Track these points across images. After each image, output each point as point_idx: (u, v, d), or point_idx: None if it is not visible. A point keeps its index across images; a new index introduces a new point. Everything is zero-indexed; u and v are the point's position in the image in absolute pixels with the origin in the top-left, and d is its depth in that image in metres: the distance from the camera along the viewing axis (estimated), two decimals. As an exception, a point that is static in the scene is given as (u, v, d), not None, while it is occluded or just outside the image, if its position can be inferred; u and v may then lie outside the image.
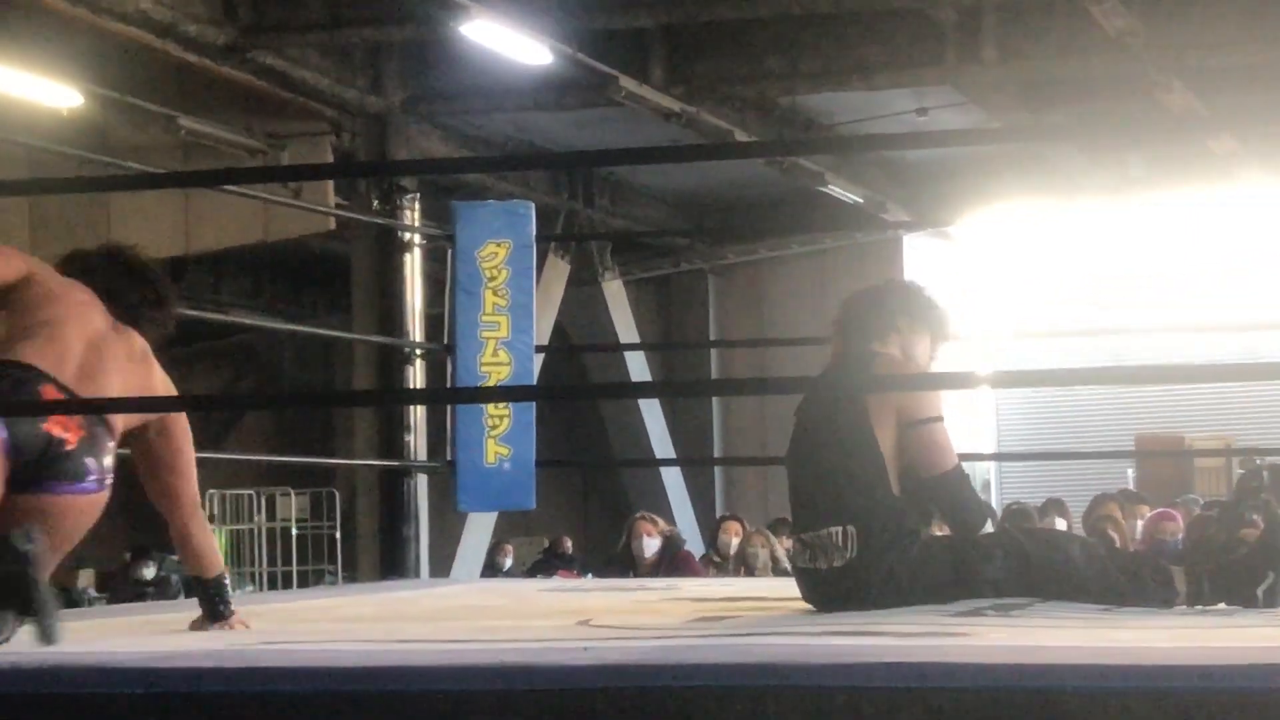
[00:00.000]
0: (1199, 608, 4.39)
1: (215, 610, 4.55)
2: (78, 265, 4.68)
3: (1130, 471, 17.73)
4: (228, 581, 4.67)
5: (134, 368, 4.51)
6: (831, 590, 4.57)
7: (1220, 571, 4.40)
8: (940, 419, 4.70)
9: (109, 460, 4.31)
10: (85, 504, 4.26)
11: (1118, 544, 9.93)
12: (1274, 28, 12.63)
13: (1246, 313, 18.82)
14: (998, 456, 20.29)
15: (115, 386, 4.37)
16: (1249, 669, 2.77)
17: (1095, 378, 4.22)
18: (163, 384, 4.65)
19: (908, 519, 4.60)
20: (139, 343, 4.58)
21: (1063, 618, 4.09)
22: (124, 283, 4.66)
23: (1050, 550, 4.58)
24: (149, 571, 16.80)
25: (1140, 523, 10.88)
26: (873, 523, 4.53)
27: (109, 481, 4.32)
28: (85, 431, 4.17)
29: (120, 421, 4.38)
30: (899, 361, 4.79)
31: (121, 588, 16.35)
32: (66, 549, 4.32)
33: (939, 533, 4.80)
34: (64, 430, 4.11)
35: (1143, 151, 17.64)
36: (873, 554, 4.50)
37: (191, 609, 5.43)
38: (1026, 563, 4.51)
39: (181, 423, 4.70)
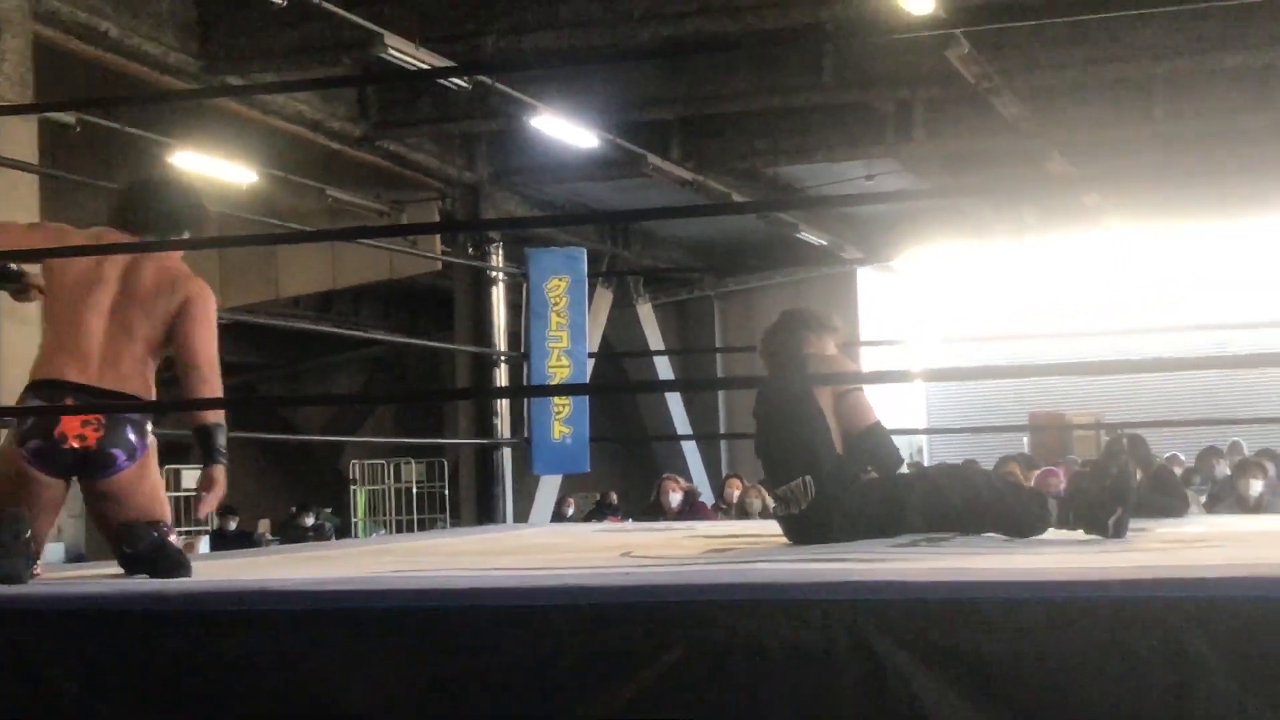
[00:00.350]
0: (1065, 531, 4.38)
1: (207, 454, 3.98)
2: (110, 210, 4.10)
3: (1025, 440, 17.69)
4: (219, 434, 3.98)
5: (150, 323, 3.93)
6: (801, 529, 4.57)
7: (1082, 506, 4.39)
8: (860, 389, 4.70)
9: (134, 434, 3.87)
10: (129, 476, 3.88)
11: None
12: (1129, 112, 12.59)
13: (1115, 320, 18.77)
14: (928, 430, 20.21)
15: (133, 357, 3.91)
16: (1120, 584, 2.77)
17: (993, 373, 4.22)
18: (184, 308, 3.96)
19: (849, 468, 4.60)
20: (149, 279, 3.94)
21: (977, 549, 4.08)
22: (137, 204, 4.06)
23: (960, 483, 4.57)
24: (309, 520, 16.85)
25: (1033, 478, 10.86)
26: (823, 473, 4.53)
27: (144, 446, 3.90)
28: (104, 430, 3.80)
29: (143, 391, 3.92)
30: (823, 356, 4.80)
31: (289, 532, 16.40)
32: (155, 493, 3.98)
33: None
34: (83, 441, 3.78)
35: (1034, 205, 17.59)
36: (826, 497, 4.50)
37: (343, 548, 5.44)
38: (940, 493, 4.50)
39: (201, 337, 3.98)
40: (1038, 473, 10.71)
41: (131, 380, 3.90)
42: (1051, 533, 4.41)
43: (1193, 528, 5.19)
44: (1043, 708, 2.65)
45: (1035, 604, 2.71)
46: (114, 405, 3.82)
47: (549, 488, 16.82)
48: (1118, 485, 4.33)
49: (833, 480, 4.52)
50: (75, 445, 3.77)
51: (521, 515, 14.96)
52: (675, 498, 10.86)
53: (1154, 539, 4.51)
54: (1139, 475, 6.68)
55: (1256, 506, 8.89)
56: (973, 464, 11.89)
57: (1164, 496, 6.34)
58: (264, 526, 18.06)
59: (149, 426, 3.95)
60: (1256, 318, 14.02)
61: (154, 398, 4.01)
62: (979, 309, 20.38)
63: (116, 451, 3.83)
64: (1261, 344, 3.99)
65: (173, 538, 3.96)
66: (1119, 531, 4.31)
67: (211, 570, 4.17)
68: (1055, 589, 2.77)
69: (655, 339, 20.06)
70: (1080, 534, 4.36)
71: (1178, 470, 11.10)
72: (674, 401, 20.11)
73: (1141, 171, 14.82)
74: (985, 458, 13.68)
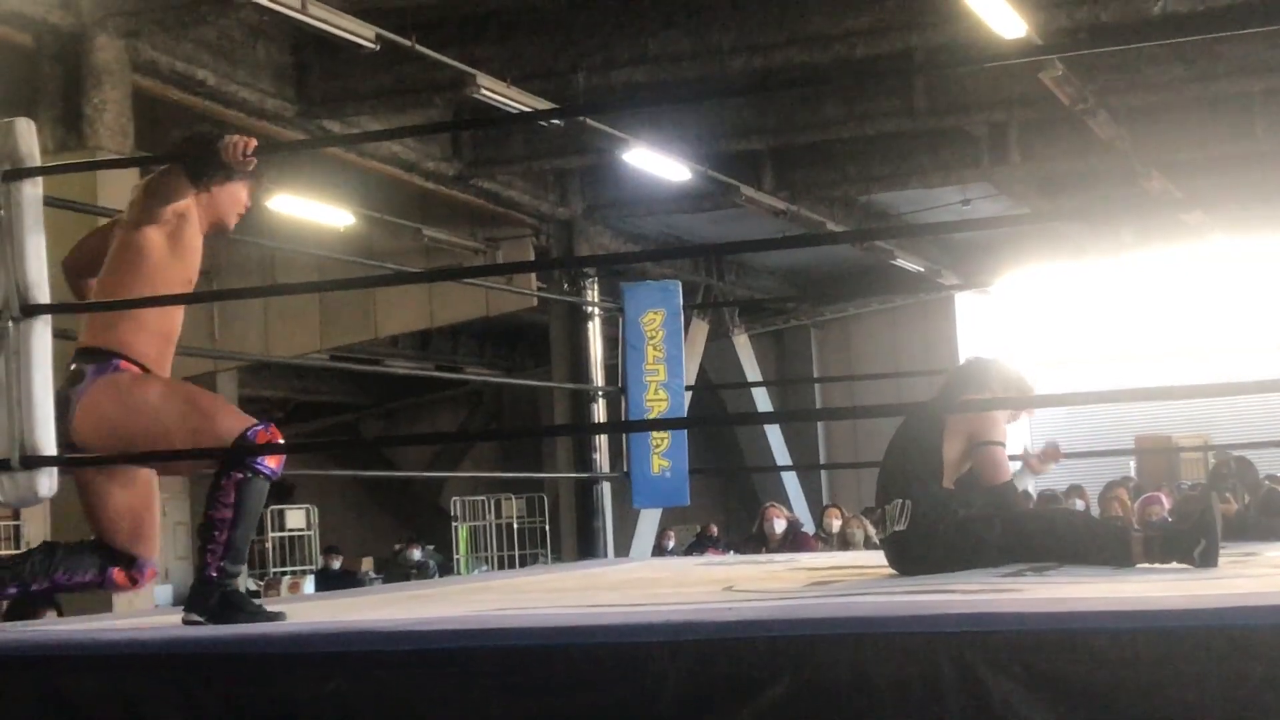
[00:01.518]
0: (1155, 564, 4.31)
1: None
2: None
3: (1132, 464, 17.42)
4: None
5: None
6: (896, 554, 4.58)
7: (1168, 538, 4.33)
8: (1000, 444, 4.69)
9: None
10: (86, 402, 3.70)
11: (1124, 518, 9.78)
12: (1228, 129, 12.42)
13: (1219, 340, 18.48)
14: (1030, 456, 19.97)
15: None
16: (1221, 611, 2.73)
17: (1098, 398, 4.17)
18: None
19: (950, 504, 4.59)
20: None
21: (1083, 578, 4.03)
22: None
23: (1038, 520, 4.57)
24: (414, 557, 16.97)
25: (1137, 504, 10.69)
26: (923, 503, 4.53)
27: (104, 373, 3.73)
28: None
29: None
30: (980, 401, 4.76)
31: (393, 569, 16.51)
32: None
33: None
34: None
35: (1132, 225, 17.38)
36: (918, 525, 4.50)
37: (446, 585, 5.45)
38: (1019, 530, 4.49)
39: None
40: (1141, 499, 10.54)
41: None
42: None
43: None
44: (1154, 739, 2.61)
45: (1144, 634, 2.67)
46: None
47: (649, 521, 16.82)
48: (1204, 517, 4.26)
49: (930, 513, 4.51)
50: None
51: (622, 549, 14.97)
52: (779, 524, 10.81)
53: (1262, 563, 4.43)
54: (1246, 498, 6.58)
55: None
56: (1073, 492, 11.74)
57: (1274, 519, 6.24)
58: (368, 564, 18.22)
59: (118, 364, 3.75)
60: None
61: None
62: (1079, 331, 20.14)
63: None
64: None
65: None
66: (1207, 562, 4.22)
67: (316, 610, 4.21)
68: (1164, 618, 2.73)
69: (752, 370, 20.03)
70: (1174, 564, 4.30)
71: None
72: (773, 432, 20.04)
73: (1242, 189, 14.60)
74: (1091, 483, 13.50)
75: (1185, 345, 18.63)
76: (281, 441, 3.84)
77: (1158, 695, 2.62)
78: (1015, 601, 3.20)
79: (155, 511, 3.89)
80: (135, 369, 3.75)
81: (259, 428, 3.75)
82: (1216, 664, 2.61)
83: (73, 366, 3.76)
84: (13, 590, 3.81)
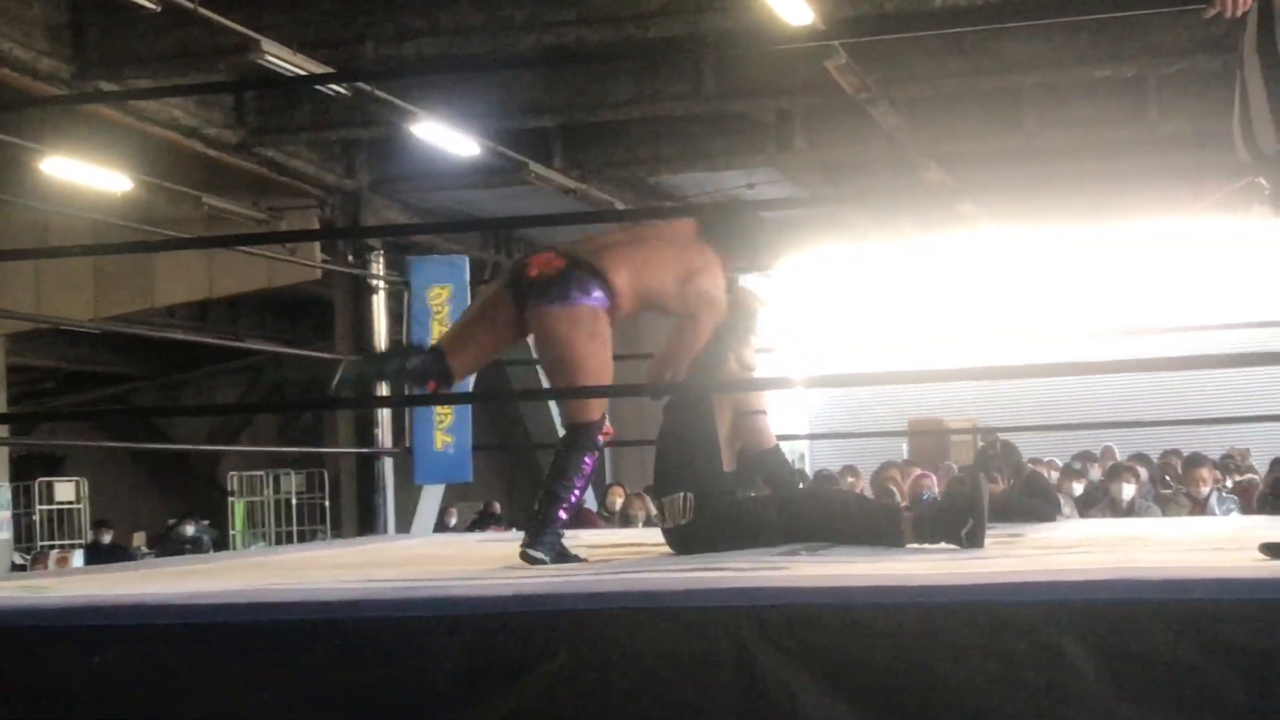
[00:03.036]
0: (924, 544, 4.43)
1: None
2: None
3: (904, 445, 17.91)
4: None
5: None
6: (679, 542, 4.60)
7: (936, 518, 4.45)
8: (763, 412, 4.75)
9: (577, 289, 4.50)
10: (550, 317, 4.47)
11: (898, 497, 10.06)
12: (1001, 123, 12.80)
13: (992, 323, 19.07)
14: (810, 436, 20.37)
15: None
16: (985, 588, 2.82)
17: (870, 379, 4.26)
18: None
19: (732, 485, 4.65)
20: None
21: (856, 556, 4.12)
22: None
23: (813, 500, 4.68)
24: (187, 532, 16.63)
25: (909, 482, 11.04)
26: (704, 489, 4.56)
27: (579, 300, 4.52)
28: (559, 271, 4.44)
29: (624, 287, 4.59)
30: (734, 370, 4.83)
31: (166, 545, 16.16)
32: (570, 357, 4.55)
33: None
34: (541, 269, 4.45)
35: (911, 213, 17.81)
36: (701, 514, 4.53)
37: (221, 560, 5.35)
38: (794, 511, 4.55)
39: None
40: (912, 477, 10.86)
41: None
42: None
43: (1064, 532, 5.29)
44: (919, 710, 2.69)
45: (911, 608, 2.75)
46: None
47: (432, 498, 16.71)
48: (971, 498, 4.39)
49: (712, 500, 4.55)
50: (533, 274, 4.45)
51: (404, 526, 14.85)
52: (558, 506, 10.83)
53: (1026, 544, 4.59)
54: (1011, 481, 6.81)
55: (1128, 510, 9.07)
56: (848, 472, 12.03)
57: (1035, 500, 6.46)
58: (139, 539, 17.78)
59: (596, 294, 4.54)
60: (1127, 324, 14.34)
61: None
62: (858, 315, 20.59)
63: (552, 287, 4.42)
64: (1132, 349, 4.08)
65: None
66: (973, 542, 4.34)
67: (85, 584, 4.10)
68: (931, 594, 2.82)
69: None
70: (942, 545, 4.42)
71: (1053, 475, 11.29)
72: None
73: (1014, 181, 15.07)
74: (866, 463, 13.85)
75: (957, 332, 19.18)
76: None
77: (924, 669, 2.70)
78: (787, 578, 3.26)
79: None
80: None
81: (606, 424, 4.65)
82: (981, 639, 2.69)
83: None
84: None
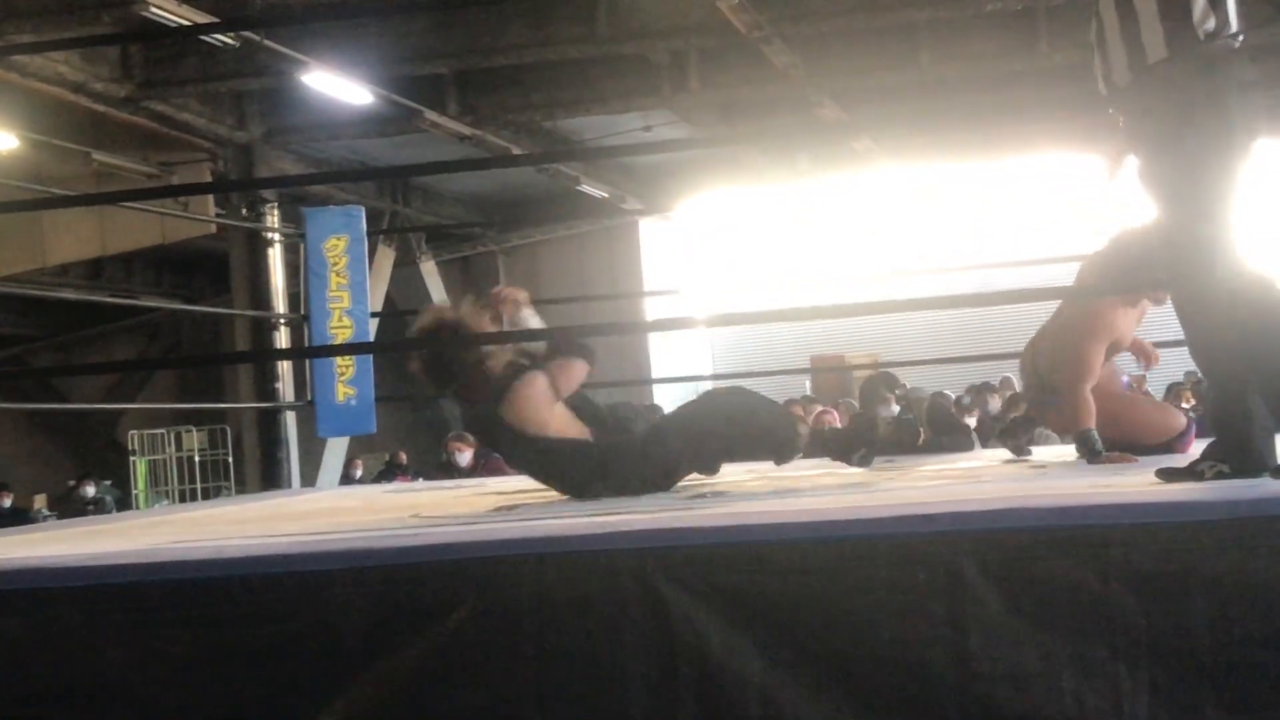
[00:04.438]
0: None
1: None
2: None
3: (808, 382, 18.04)
4: None
5: None
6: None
7: (834, 437, 4.68)
8: (562, 368, 4.81)
9: None
10: None
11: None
12: (895, 59, 12.85)
13: (887, 262, 19.23)
14: (714, 376, 20.49)
15: None
16: (885, 520, 2.85)
17: (763, 317, 4.30)
18: None
19: (597, 452, 4.62)
20: None
21: (758, 498, 4.15)
22: None
23: (715, 407, 4.71)
24: (88, 492, 16.41)
25: (811, 417, 11.12)
26: (581, 471, 4.58)
27: None
28: None
29: None
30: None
31: (67, 506, 15.94)
32: None
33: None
34: None
35: (807, 151, 17.88)
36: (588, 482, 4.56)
37: (123, 520, 5.27)
38: (699, 422, 4.60)
39: None
40: (815, 413, 10.94)
41: None
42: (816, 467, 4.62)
43: (963, 463, 5.35)
44: (825, 643, 2.72)
45: (814, 544, 2.77)
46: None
47: (336, 450, 16.61)
48: (866, 427, 4.66)
49: (589, 472, 4.55)
50: None
51: (309, 479, 14.78)
52: (464, 457, 10.81)
53: (926, 475, 4.64)
54: (914, 413, 6.91)
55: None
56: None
57: (949, 435, 6.53)
58: (40, 502, 17.53)
59: None
60: (1022, 256, 14.46)
61: None
62: (758, 255, 20.67)
63: None
64: (1026, 280, 4.14)
65: None
66: (864, 463, 4.75)
67: None
68: (833, 528, 2.84)
69: (440, 295, 19.91)
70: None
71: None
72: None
73: (909, 116, 15.17)
74: (769, 401, 13.92)
75: (856, 269, 19.30)
76: None
77: (829, 603, 2.72)
78: (692, 518, 3.27)
79: None
80: None
81: None
82: (884, 571, 2.72)
83: None
84: None
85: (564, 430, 4.55)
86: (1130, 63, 3.51)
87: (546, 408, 4.51)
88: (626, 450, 4.56)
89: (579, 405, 4.66)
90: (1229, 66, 3.46)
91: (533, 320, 4.75)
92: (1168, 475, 3.46)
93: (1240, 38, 3.51)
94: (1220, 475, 3.39)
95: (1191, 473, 3.43)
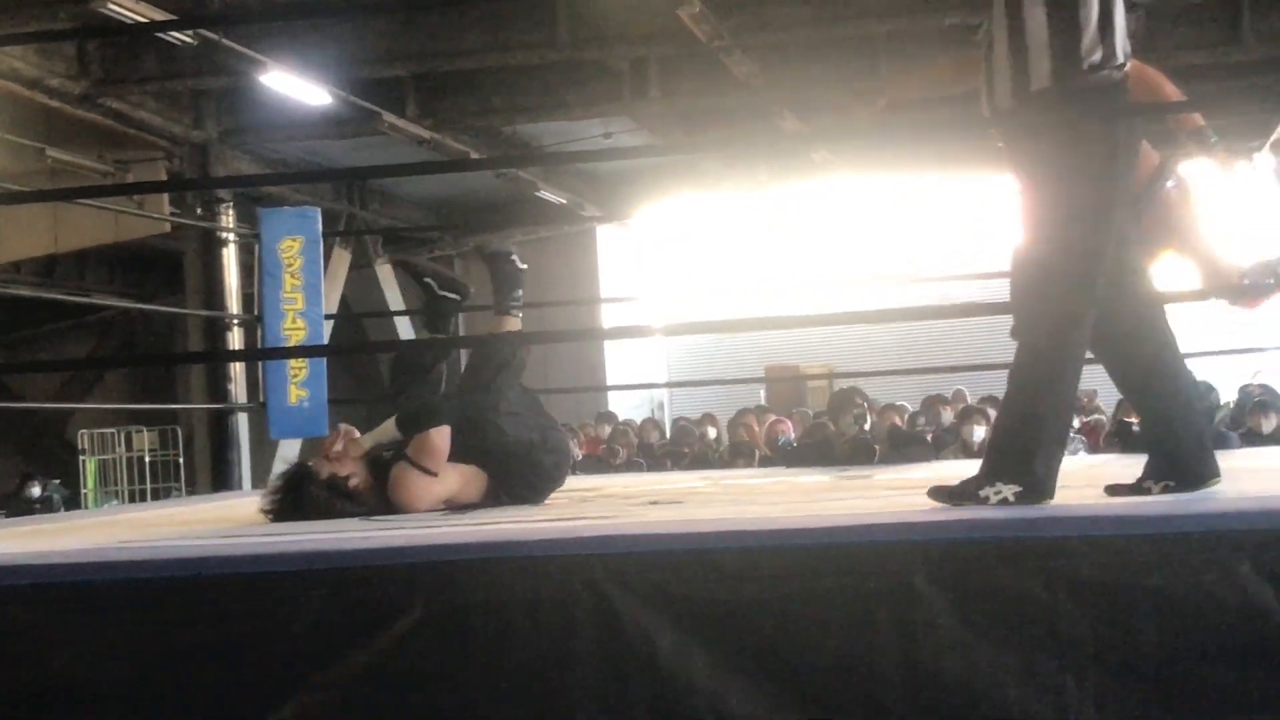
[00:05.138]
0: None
1: None
2: None
3: (762, 392, 18.08)
4: None
5: None
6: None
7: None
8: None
9: None
10: None
11: (751, 441, 10.20)
12: (854, 71, 12.90)
13: (850, 271, 19.29)
14: (669, 385, 20.50)
15: None
16: (836, 529, 2.86)
17: (718, 327, 4.29)
18: None
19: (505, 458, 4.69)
20: None
21: (710, 504, 4.16)
22: None
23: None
24: (35, 491, 16.27)
25: (765, 427, 11.17)
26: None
27: None
28: None
29: None
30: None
31: (14, 505, 15.79)
32: None
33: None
34: None
35: (767, 162, 17.92)
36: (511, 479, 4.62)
37: (72, 519, 5.23)
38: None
39: None
40: (768, 423, 10.99)
41: None
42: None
43: (916, 473, 5.38)
44: (776, 651, 2.73)
45: (766, 551, 2.78)
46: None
47: (288, 452, 16.46)
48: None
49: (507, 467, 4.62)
50: None
51: (260, 481, 14.66)
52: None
53: (879, 485, 4.67)
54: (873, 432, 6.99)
55: (979, 452, 9.24)
56: (705, 420, 12.13)
57: (913, 447, 6.60)
58: (-14, 500, 17.34)
59: None
60: (976, 269, 14.55)
61: None
62: (715, 264, 20.69)
63: None
64: (982, 293, 4.15)
65: None
66: None
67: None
68: (785, 536, 2.85)
69: (395, 298, 19.84)
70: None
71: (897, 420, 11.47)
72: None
73: (866, 129, 15.19)
74: (724, 411, 13.97)
75: (810, 280, 19.35)
76: None
77: (780, 611, 2.73)
78: (644, 524, 3.28)
79: None
80: None
81: None
82: (835, 580, 2.74)
83: None
84: None
85: (465, 490, 4.55)
86: (1014, 88, 3.49)
87: (429, 486, 4.46)
88: (518, 470, 4.61)
89: (479, 443, 4.66)
90: (1110, 99, 3.46)
91: (365, 440, 4.70)
92: (1115, 492, 3.49)
93: (1125, 68, 3.51)
94: (1168, 490, 3.42)
95: (1139, 489, 3.46)
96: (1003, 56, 3.51)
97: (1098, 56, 3.43)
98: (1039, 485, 3.23)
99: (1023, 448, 3.26)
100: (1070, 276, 3.35)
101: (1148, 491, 3.43)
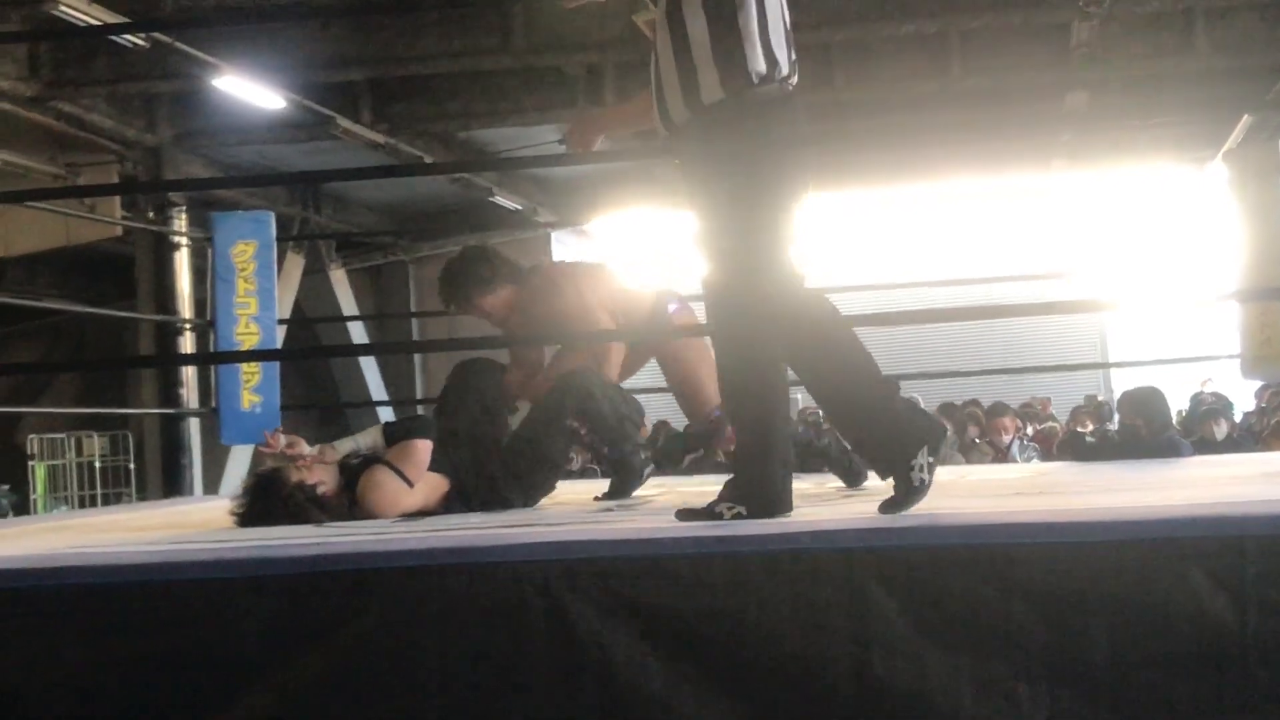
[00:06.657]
0: None
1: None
2: None
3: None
4: None
5: None
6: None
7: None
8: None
9: None
10: None
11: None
12: (809, 78, 12.91)
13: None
14: (644, 390, 20.46)
15: None
16: (789, 536, 2.85)
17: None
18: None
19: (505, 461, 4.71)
20: None
21: (665, 513, 4.15)
22: None
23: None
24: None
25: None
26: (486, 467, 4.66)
27: None
28: None
29: None
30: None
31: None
32: None
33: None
34: None
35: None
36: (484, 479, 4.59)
37: (20, 525, 5.17)
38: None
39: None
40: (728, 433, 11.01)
41: None
42: None
43: (870, 481, 5.36)
44: (729, 657, 2.72)
45: (720, 558, 2.78)
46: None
47: (241, 458, 16.41)
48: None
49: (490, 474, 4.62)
50: None
51: (212, 487, 14.59)
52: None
53: (834, 494, 4.66)
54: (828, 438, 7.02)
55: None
56: (660, 428, 12.12)
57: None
58: (-63, 506, 17.18)
59: None
60: (925, 275, 14.67)
61: None
62: (673, 270, 20.69)
63: None
64: (931, 301, 4.17)
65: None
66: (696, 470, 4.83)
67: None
68: (739, 543, 2.84)
69: (349, 304, 19.77)
70: None
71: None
72: (369, 367, 19.87)
73: (821, 136, 15.24)
74: (680, 418, 13.95)
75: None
76: None
77: (733, 617, 2.72)
78: (597, 530, 3.27)
79: None
80: None
81: None
82: (789, 587, 2.73)
83: None
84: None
85: (429, 500, 4.53)
86: (686, 102, 3.48)
87: (401, 495, 4.44)
88: (490, 484, 4.60)
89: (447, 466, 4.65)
90: (781, 110, 3.50)
91: (343, 444, 4.69)
92: (686, 516, 3.40)
93: (794, 80, 3.53)
94: (739, 517, 3.33)
95: (710, 513, 3.36)
96: (670, 71, 3.51)
97: (763, 67, 3.46)
98: (769, 506, 3.34)
99: (755, 473, 3.37)
100: (756, 302, 3.42)
101: (719, 516, 3.34)
